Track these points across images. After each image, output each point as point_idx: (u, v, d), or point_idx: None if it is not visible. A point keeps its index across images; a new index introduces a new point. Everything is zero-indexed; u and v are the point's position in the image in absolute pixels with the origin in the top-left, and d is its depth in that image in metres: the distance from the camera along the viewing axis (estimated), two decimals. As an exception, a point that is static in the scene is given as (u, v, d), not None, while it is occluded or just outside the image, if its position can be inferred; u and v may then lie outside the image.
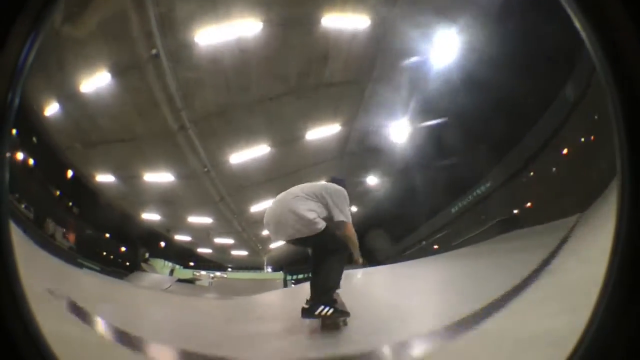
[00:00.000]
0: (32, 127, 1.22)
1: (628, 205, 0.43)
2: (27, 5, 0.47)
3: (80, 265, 1.40)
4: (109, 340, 1.19)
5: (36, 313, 0.49)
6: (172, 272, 1.87)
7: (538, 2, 0.89)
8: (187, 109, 1.49)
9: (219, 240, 1.69)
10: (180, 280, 1.65)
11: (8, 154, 0.52)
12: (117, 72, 1.54)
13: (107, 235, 1.53)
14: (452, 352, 0.97)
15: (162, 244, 1.65)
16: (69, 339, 1.00)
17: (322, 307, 1.61)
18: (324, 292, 1.70)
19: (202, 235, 1.66)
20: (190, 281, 1.79)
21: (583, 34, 0.46)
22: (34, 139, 1.26)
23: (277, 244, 1.57)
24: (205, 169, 1.70)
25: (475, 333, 0.97)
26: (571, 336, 0.46)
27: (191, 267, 1.71)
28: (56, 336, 0.52)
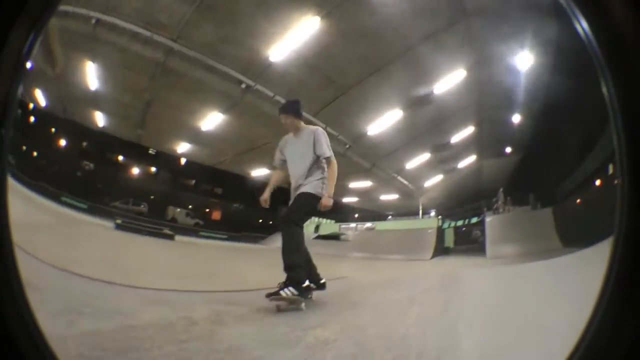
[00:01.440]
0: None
1: (628, 205, 0.43)
2: (27, 6, 0.47)
3: (203, 237, 1.36)
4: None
5: (36, 312, 0.49)
6: (317, 228, 1.90)
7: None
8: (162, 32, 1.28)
9: (354, 185, 1.48)
10: (321, 237, 1.55)
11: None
12: (93, 54, 1.51)
13: (240, 204, 1.49)
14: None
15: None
16: (69, 337, 1.01)
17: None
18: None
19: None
20: (335, 237, 1.69)
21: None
22: (150, 150, 1.30)
23: (433, 181, 1.21)
24: (243, 85, 1.57)
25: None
26: (571, 336, 0.46)
27: (340, 220, 1.56)
28: (56, 334, 0.52)
